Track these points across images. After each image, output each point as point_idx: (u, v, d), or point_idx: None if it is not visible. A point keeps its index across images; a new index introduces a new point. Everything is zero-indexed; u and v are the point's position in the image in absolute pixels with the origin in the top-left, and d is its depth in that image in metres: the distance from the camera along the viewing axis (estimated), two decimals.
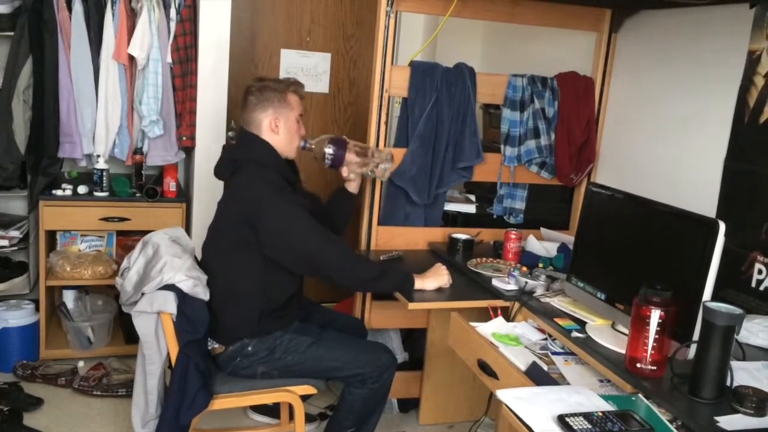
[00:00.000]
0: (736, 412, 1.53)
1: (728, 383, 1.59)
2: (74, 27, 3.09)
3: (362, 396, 2.31)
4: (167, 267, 2.18)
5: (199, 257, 2.45)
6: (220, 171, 2.38)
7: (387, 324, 2.96)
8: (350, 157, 2.49)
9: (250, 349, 2.26)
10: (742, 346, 1.78)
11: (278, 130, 2.31)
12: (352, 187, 2.59)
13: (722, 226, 1.67)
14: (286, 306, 2.31)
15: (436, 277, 2.36)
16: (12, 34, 3.04)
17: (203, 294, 2.20)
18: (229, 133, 3.50)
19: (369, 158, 2.52)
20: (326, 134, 2.52)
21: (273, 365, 2.27)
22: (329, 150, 2.46)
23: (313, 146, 2.47)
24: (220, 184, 3.34)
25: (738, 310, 1.56)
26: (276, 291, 2.27)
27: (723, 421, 1.49)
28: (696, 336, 1.64)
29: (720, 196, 2.36)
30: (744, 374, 1.67)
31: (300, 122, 2.38)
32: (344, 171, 2.52)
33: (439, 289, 2.35)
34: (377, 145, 2.76)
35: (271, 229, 2.17)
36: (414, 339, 3.08)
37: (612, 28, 2.91)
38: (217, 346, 2.29)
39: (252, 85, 2.35)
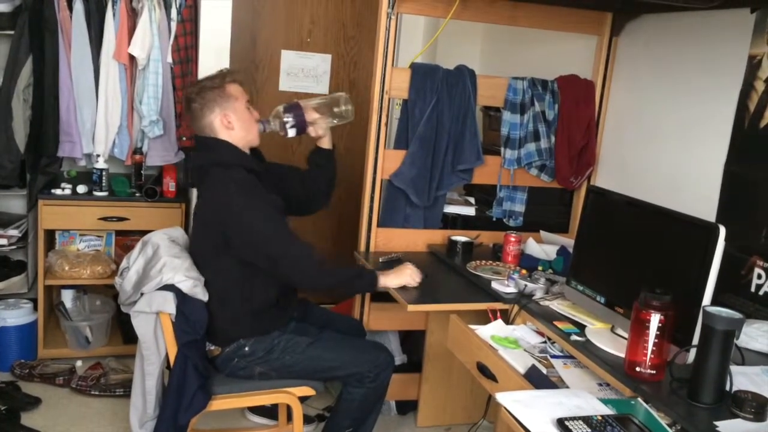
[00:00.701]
0: (736, 416, 1.53)
1: (727, 388, 1.59)
2: (75, 26, 3.09)
3: (360, 395, 2.31)
4: (166, 267, 2.17)
5: None
6: (189, 180, 2.38)
7: (386, 326, 2.96)
8: (311, 115, 2.42)
9: (247, 349, 2.26)
10: (741, 350, 1.78)
11: (232, 125, 2.28)
12: (325, 142, 2.55)
13: (723, 231, 1.67)
14: (279, 304, 2.31)
15: (399, 275, 2.34)
16: (12, 32, 3.03)
17: (202, 294, 2.20)
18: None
19: (329, 107, 2.45)
20: (277, 108, 2.43)
21: (271, 365, 2.27)
22: (288, 119, 2.39)
23: (272, 124, 2.40)
24: None
25: (738, 315, 1.56)
26: (261, 291, 2.26)
27: (722, 425, 1.49)
28: (695, 340, 1.64)
29: (720, 201, 2.36)
30: (743, 379, 1.67)
31: (250, 108, 2.35)
32: (311, 131, 2.47)
33: (405, 288, 2.33)
34: (377, 149, 2.76)
35: (240, 233, 2.16)
36: (412, 341, 3.08)
37: (613, 31, 2.91)
38: (213, 348, 2.29)
39: (190, 91, 2.32)
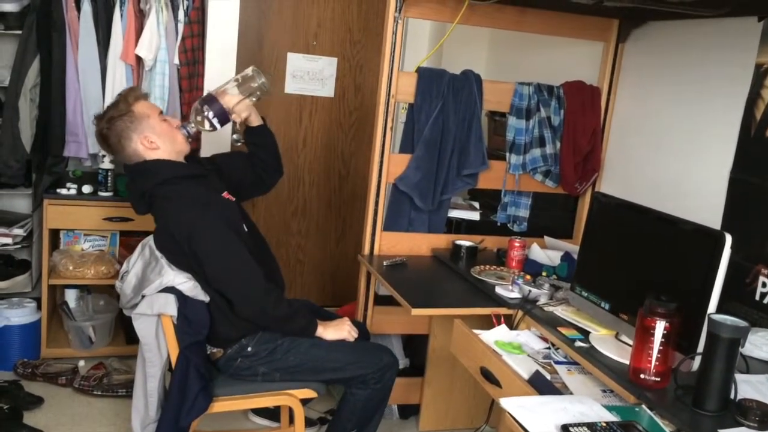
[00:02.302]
0: (740, 425, 1.53)
1: (732, 396, 1.58)
2: (82, 27, 3.09)
3: (364, 397, 2.31)
4: (166, 269, 2.18)
5: None
6: (136, 208, 2.29)
7: (389, 329, 2.96)
8: (228, 101, 2.28)
9: (250, 349, 2.25)
10: (746, 359, 1.78)
11: (155, 143, 2.21)
12: (254, 120, 2.44)
13: (728, 239, 1.66)
14: None
15: (337, 330, 2.32)
16: (20, 32, 3.05)
17: (203, 296, 2.20)
18: (234, 136, 3.51)
19: (243, 86, 2.32)
20: (193, 105, 2.33)
21: (274, 366, 2.26)
22: (207, 113, 2.26)
23: (193, 124, 2.28)
24: None
25: (743, 323, 1.56)
26: None
27: None
28: (700, 348, 1.64)
29: (725, 208, 2.35)
30: (748, 387, 1.67)
31: (167, 119, 2.26)
32: (235, 118, 2.37)
33: (342, 341, 2.31)
34: (382, 152, 2.76)
35: (192, 250, 2.11)
36: (415, 345, 3.08)
37: (619, 38, 2.91)
38: (215, 350, 2.28)
39: (101, 127, 2.22)
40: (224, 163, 2.49)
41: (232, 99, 2.29)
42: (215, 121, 2.28)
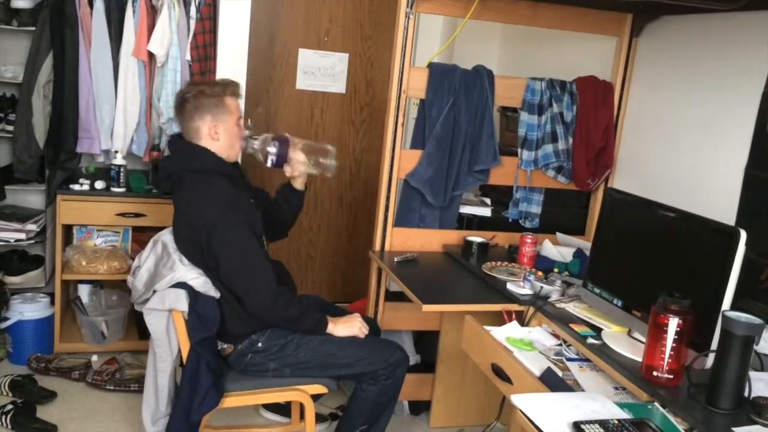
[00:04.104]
0: (754, 423, 1.51)
1: (746, 394, 1.57)
2: (95, 23, 3.11)
3: (375, 392, 2.31)
4: (178, 264, 2.18)
5: None
6: (161, 184, 2.33)
7: (400, 325, 2.96)
8: (294, 154, 2.40)
9: (260, 345, 2.26)
10: (760, 356, 1.76)
11: (218, 136, 2.27)
12: (298, 183, 2.53)
13: (743, 235, 1.65)
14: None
15: (347, 326, 2.32)
16: (33, 29, 3.07)
17: (214, 291, 2.20)
18: (246, 132, 3.51)
19: (314, 154, 2.43)
20: (268, 133, 2.43)
21: (285, 361, 2.27)
22: (272, 149, 2.37)
23: (255, 146, 2.38)
24: None
25: (758, 320, 1.54)
26: None
27: None
28: (714, 345, 1.62)
29: (740, 205, 2.33)
30: (762, 385, 1.65)
31: (240, 125, 2.34)
32: (287, 170, 2.45)
33: (353, 337, 2.31)
34: (393, 148, 2.76)
35: (210, 243, 2.14)
36: (426, 341, 3.07)
37: (633, 32, 2.88)
38: (226, 346, 2.29)
39: (187, 90, 2.29)
40: (256, 193, 2.51)
41: (298, 156, 2.41)
42: (272, 159, 2.39)
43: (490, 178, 2.94)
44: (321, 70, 3.83)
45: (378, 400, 2.33)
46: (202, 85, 2.31)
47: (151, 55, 3.16)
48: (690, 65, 2.63)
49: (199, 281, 2.17)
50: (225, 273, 2.17)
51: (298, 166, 2.45)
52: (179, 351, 2.19)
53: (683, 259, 1.83)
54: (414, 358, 3.02)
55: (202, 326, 2.16)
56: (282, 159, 2.40)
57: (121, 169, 3.20)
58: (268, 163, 2.40)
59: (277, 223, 2.56)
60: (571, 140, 2.95)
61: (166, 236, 2.36)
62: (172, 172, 2.28)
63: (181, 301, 2.12)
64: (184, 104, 2.27)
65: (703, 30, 2.57)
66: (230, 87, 2.31)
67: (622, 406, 1.59)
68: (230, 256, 2.15)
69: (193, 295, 2.15)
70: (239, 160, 2.43)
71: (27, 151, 3.09)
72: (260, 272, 2.18)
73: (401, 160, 2.80)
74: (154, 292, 2.18)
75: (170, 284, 2.15)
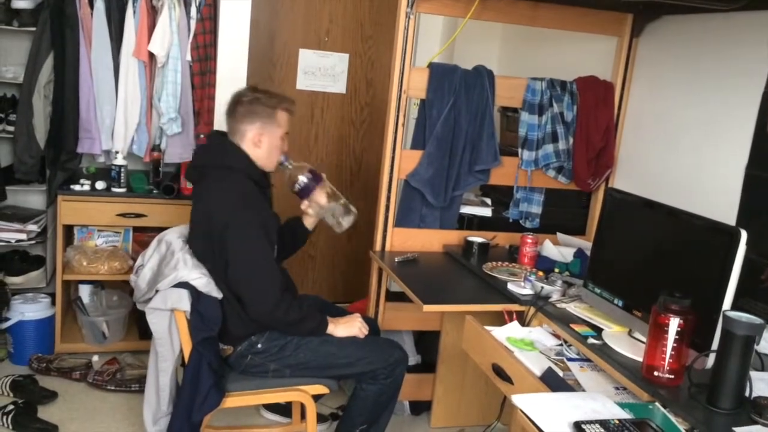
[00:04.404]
0: (755, 423, 1.51)
1: (747, 394, 1.57)
2: (95, 23, 3.11)
3: (374, 392, 2.31)
4: (181, 264, 2.19)
5: None
6: (190, 174, 2.36)
7: (400, 325, 2.96)
8: (318, 195, 2.45)
9: (260, 346, 2.26)
10: (761, 356, 1.76)
11: (261, 144, 2.30)
12: (309, 222, 2.56)
13: (744, 235, 1.65)
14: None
15: (347, 327, 2.33)
16: (34, 29, 3.07)
17: (217, 292, 2.20)
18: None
19: (334, 205, 2.47)
20: (308, 163, 2.48)
21: (284, 362, 2.27)
22: (303, 179, 2.41)
23: (290, 167, 2.42)
24: None
25: (758, 320, 1.54)
26: None
27: None
28: (715, 345, 1.62)
29: (740, 205, 2.33)
30: (763, 385, 1.65)
31: (284, 140, 2.37)
32: (305, 204, 2.48)
33: (353, 337, 2.32)
34: (394, 148, 2.76)
35: (222, 240, 2.16)
36: (427, 341, 3.08)
37: (633, 32, 2.88)
38: (225, 347, 2.29)
39: (244, 94, 2.32)
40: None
41: (320, 199, 2.45)
42: (297, 186, 2.42)
43: (491, 178, 2.94)
44: (321, 71, 3.83)
45: (377, 400, 2.33)
46: (260, 93, 2.33)
47: (151, 56, 3.17)
48: (690, 65, 2.63)
49: (202, 281, 2.17)
50: (232, 272, 2.17)
51: (315, 207, 2.48)
52: (181, 351, 2.19)
53: (684, 259, 1.83)
54: (415, 359, 3.02)
55: (204, 326, 2.16)
56: (306, 192, 2.44)
57: (122, 170, 3.20)
58: (294, 189, 2.43)
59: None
60: (571, 140, 2.95)
61: (170, 235, 2.37)
62: (204, 163, 2.32)
63: (183, 301, 2.12)
64: (237, 106, 2.30)
65: (703, 30, 2.57)
66: (286, 102, 2.34)
67: (622, 406, 1.60)
68: (240, 256, 2.16)
69: (196, 294, 2.15)
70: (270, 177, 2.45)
71: (28, 151, 3.09)
72: (267, 276, 2.18)
73: (402, 160, 2.80)
74: (157, 291, 2.18)
75: (173, 284, 2.15)
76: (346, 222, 2.48)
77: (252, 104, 2.29)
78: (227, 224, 2.16)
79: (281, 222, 2.53)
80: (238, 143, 2.30)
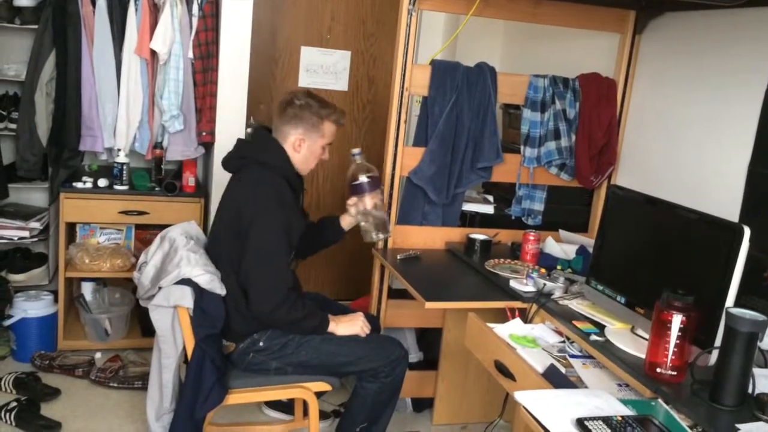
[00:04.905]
0: (758, 419, 1.51)
1: (750, 390, 1.57)
2: (97, 21, 3.11)
3: (374, 390, 2.31)
4: (184, 261, 2.19)
5: None
6: (227, 163, 2.39)
7: (402, 323, 2.96)
8: (368, 198, 2.48)
9: (261, 344, 2.26)
10: (764, 353, 1.76)
11: (300, 149, 2.33)
12: (346, 222, 2.57)
13: (747, 232, 1.64)
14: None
15: (349, 325, 2.33)
16: (36, 27, 3.07)
17: (220, 289, 2.21)
18: (248, 129, 3.51)
19: (376, 215, 2.50)
20: (376, 169, 2.54)
21: (286, 360, 2.27)
22: (364, 178, 2.48)
23: (357, 162, 2.50)
24: None
25: (762, 317, 1.54)
26: None
27: (744, 428, 1.48)
28: (718, 342, 1.62)
29: (743, 201, 2.32)
30: (766, 381, 1.65)
31: (326, 149, 2.39)
32: (352, 200, 2.51)
33: (356, 336, 2.33)
34: (396, 146, 2.76)
35: (250, 244, 2.17)
36: (429, 338, 3.08)
37: (636, 29, 2.88)
38: (228, 344, 2.30)
39: (296, 97, 2.34)
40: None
41: (367, 203, 2.49)
42: (355, 182, 2.48)
43: (493, 176, 2.94)
44: (323, 68, 3.83)
45: (377, 398, 2.33)
46: (312, 100, 2.34)
47: (153, 53, 3.17)
48: (693, 62, 2.62)
49: (205, 278, 2.17)
50: (246, 264, 2.18)
51: (359, 208, 2.50)
52: (184, 347, 2.20)
53: (686, 256, 1.83)
54: (417, 356, 3.02)
55: (206, 323, 2.16)
56: (359, 190, 2.48)
57: (124, 167, 3.20)
58: (350, 182, 2.49)
59: (304, 245, 2.56)
60: (573, 137, 2.95)
61: (173, 232, 2.37)
62: (244, 155, 2.33)
63: (186, 298, 2.13)
64: (287, 107, 2.32)
65: (706, 26, 2.56)
66: (335, 114, 2.36)
67: (625, 402, 1.59)
68: (257, 251, 2.18)
69: (199, 291, 2.15)
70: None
71: (30, 149, 3.09)
72: (277, 276, 2.19)
73: (404, 157, 2.80)
74: (160, 288, 2.19)
75: (176, 281, 2.16)
76: (377, 236, 2.53)
77: (301, 109, 2.31)
78: (253, 219, 2.18)
79: (317, 218, 2.58)
80: (280, 142, 2.32)
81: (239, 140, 2.45)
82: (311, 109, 2.31)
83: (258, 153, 2.31)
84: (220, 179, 3.31)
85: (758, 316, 1.54)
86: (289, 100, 2.33)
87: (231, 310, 2.23)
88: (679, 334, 1.61)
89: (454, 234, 2.93)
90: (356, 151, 2.50)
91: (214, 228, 2.40)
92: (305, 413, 2.64)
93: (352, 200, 2.52)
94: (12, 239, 3.24)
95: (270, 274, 2.18)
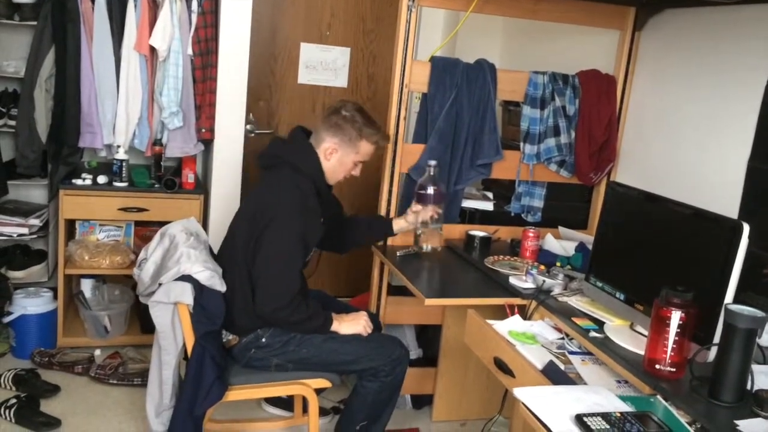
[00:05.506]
0: (757, 416, 1.52)
1: (749, 387, 1.57)
2: (97, 17, 3.11)
3: (375, 389, 2.32)
4: (184, 258, 2.19)
5: (215, 249, 2.46)
6: (260, 159, 2.40)
7: (402, 319, 2.97)
8: (428, 209, 2.57)
9: (264, 340, 2.27)
10: (762, 349, 1.76)
11: (330, 158, 2.34)
12: (400, 225, 2.62)
13: (746, 228, 1.65)
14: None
15: (352, 324, 2.34)
16: (35, 23, 3.07)
17: (220, 286, 2.21)
18: (247, 126, 3.51)
19: (429, 226, 2.61)
20: (444, 186, 2.67)
21: (287, 357, 2.28)
22: (430, 190, 2.58)
23: (431, 173, 2.59)
24: (238, 177, 3.37)
25: (761, 313, 1.54)
26: None
27: (743, 425, 1.48)
28: (717, 338, 1.62)
29: (743, 198, 2.32)
30: (765, 378, 1.65)
31: (358, 166, 2.40)
32: (416, 207, 2.57)
33: (358, 335, 2.33)
34: (395, 142, 2.76)
35: (266, 244, 2.19)
36: (428, 335, 3.08)
37: (636, 26, 2.87)
38: (231, 337, 2.30)
39: (345, 108, 2.35)
40: (334, 203, 2.58)
41: (427, 213, 2.58)
42: (422, 191, 2.60)
43: (493, 172, 2.94)
44: (323, 65, 3.82)
45: (377, 397, 2.33)
46: (359, 115, 2.35)
47: (152, 50, 3.16)
48: (693, 59, 2.62)
49: (205, 275, 2.17)
50: (258, 262, 2.19)
51: (419, 217, 2.57)
52: (184, 344, 2.20)
53: (686, 253, 1.83)
54: (416, 352, 3.02)
55: (206, 320, 2.17)
56: (423, 199, 2.59)
57: (124, 164, 3.20)
58: (418, 190, 2.61)
59: (344, 240, 2.62)
60: (573, 134, 2.95)
61: (174, 229, 2.37)
62: (278, 154, 2.34)
63: (186, 294, 2.13)
64: (333, 115, 2.35)
65: (706, 23, 2.56)
66: (377, 136, 2.37)
67: (624, 399, 1.60)
68: (271, 252, 2.18)
69: (199, 288, 2.16)
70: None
71: (29, 145, 3.09)
72: (286, 280, 2.19)
73: (403, 154, 2.80)
74: (160, 284, 2.19)
75: (176, 277, 2.16)
76: (427, 247, 2.63)
77: (345, 121, 2.32)
78: (272, 220, 2.18)
79: (343, 210, 2.61)
80: (315, 146, 2.33)
81: (275, 138, 2.46)
82: (355, 124, 2.32)
83: (291, 155, 2.32)
84: (220, 176, 3.33)
85: (757, 313, 1.54)
86: (337, 109, 2.36)
87: (239, 303, 2.24)
88: (678, 330, 1.62)
89: (454, 231, 2.93)
90: (433, 163, 2.58)
91: (236, 219, 2.39)
92: (305, 410, 2.65)
93: (416, 207, 2.57)
94: (11, 236, 3.24)
95: (278, 278, 2.18)
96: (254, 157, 2.42)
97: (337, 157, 2.34)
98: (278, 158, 2.32)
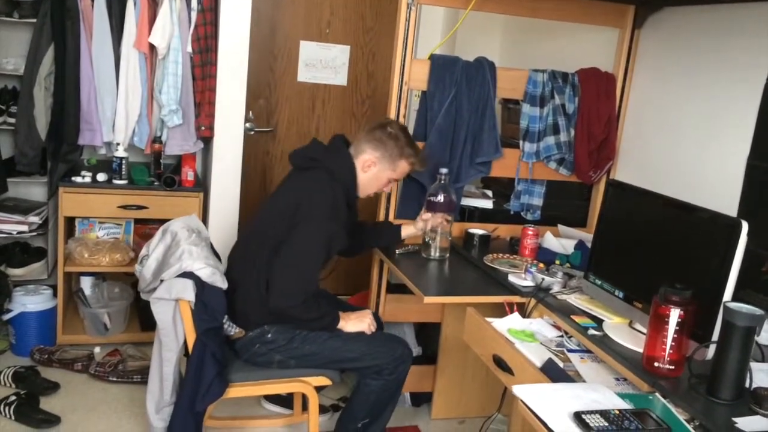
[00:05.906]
0: (755, 413, 1.52)
1: (747, 384, 1.58)
2: (96, 15, 3.10)
3: (377, 387, 2.32)
4: (186, 254, 2.19)
5: (216, 246, 2.47)
6: (295, 158, 2.41)
7: (401, 317, 2.97)
8: (438, 217, 2.58)
9: (269, 336, 2.27)
10: (761, 347, 1.76)
11: (368, 171, 2.37)
12: (408, 231, 2.64)
13: (745, 226, 1.65)
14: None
15: (357, 322, 2.36)
16: (35, 21, 3.07)
17: (221, 282, 2.21)
18: (247, 124, 3.51)
19: (437, 237, 2.62)
20: (455, 197, 2.69)
21: (290, 354, 2.28)
22: (440, 198, 2.59)
23: (443, 181, 2.60)
24: (238, 174, 3.38)
25: (759, 311, 1.55)
26: None
27: (741, 422, 1.48)
28: (715, 336, 1.63)
29: (742, 196, 2.33)
30: (763, 376, 1.66)
31: (391, 183, 2.44)
32: (427, 215, 2.58)
33: (362, 333, 2.36)
34: None
35: (290, 243, 2.21)
36: (428, 333, 3.08)
37: (635, 24, 2.87)
38: (237, 330, 2.30)
39: (391, 125, 2.40)
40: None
41: (437, 221, 2.59)
42: (433, 198, 2.61)
43: (492, 170, 2.94)
44: (322, 62, 3.82)
45: (380, 396, 2.34)
46: (402, 135, 2.40)
47: (152, 47, 3.16)
48: (692, 57, 2.62)
49: (206, 271, 2.17)
50: (281, 260, 2.20)
51: (428, 224, 2.59)
52: (185, 340, 2.20)
53: (685, 251, 1.83)
54: (415, 350, 3.02)
55: (208, 316, 2.17)
56: (433, 206, 2.59)
57: (123, 161, 3.20)
58: (430, 198, 2.61)
59: (351, 244, 2.58)
60: (572, 132, 2.95)
61: (175, 225, 2.38)
62: (315, 157, 2.36)
63: (187, 291, 2.13)
64: (377, 129, 2.38)
65: (706, 21, 2.56)
66: (416, 158, 2.42)
67: (623, 396, 1.60)
68: (294, 251, 2.20)
69: (200, 285, 2.16)
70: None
71: (29, 143, 3.09)
72: (304, 280, 2.21)
73: None
74: (162, 281, 2.19)
75: (177, 274, 2.16)
76: (435, 254, 2.64)
77: (389, 138, 2.36)
78: (303, 219, 2.21)
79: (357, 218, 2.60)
80: (354, 157, 2.36)
81: (315, 141, 2.47)
82: (398, 142, 2.36)
83: (330, 160, 2.34)
84: (219, 174, 3.32)
85: (755, 311, 1.54)
86: (383, 125, 2.39)
87: (253, 297, 2.25)
88: (677, 328, 1.62)
89: (454, 229, 2.91)
90: (444, 171, 2.60)
91: (266, 211, 2.40)
92: (304, 407, 2.65)
93: (427, 215, 2.58)
94: (11, 233, 3.24)
95: (297, 277, 2.20)
96: (288, 155, 2.42)
97: (375, 171, 2.37)
98: (315, 161, 2.34)
